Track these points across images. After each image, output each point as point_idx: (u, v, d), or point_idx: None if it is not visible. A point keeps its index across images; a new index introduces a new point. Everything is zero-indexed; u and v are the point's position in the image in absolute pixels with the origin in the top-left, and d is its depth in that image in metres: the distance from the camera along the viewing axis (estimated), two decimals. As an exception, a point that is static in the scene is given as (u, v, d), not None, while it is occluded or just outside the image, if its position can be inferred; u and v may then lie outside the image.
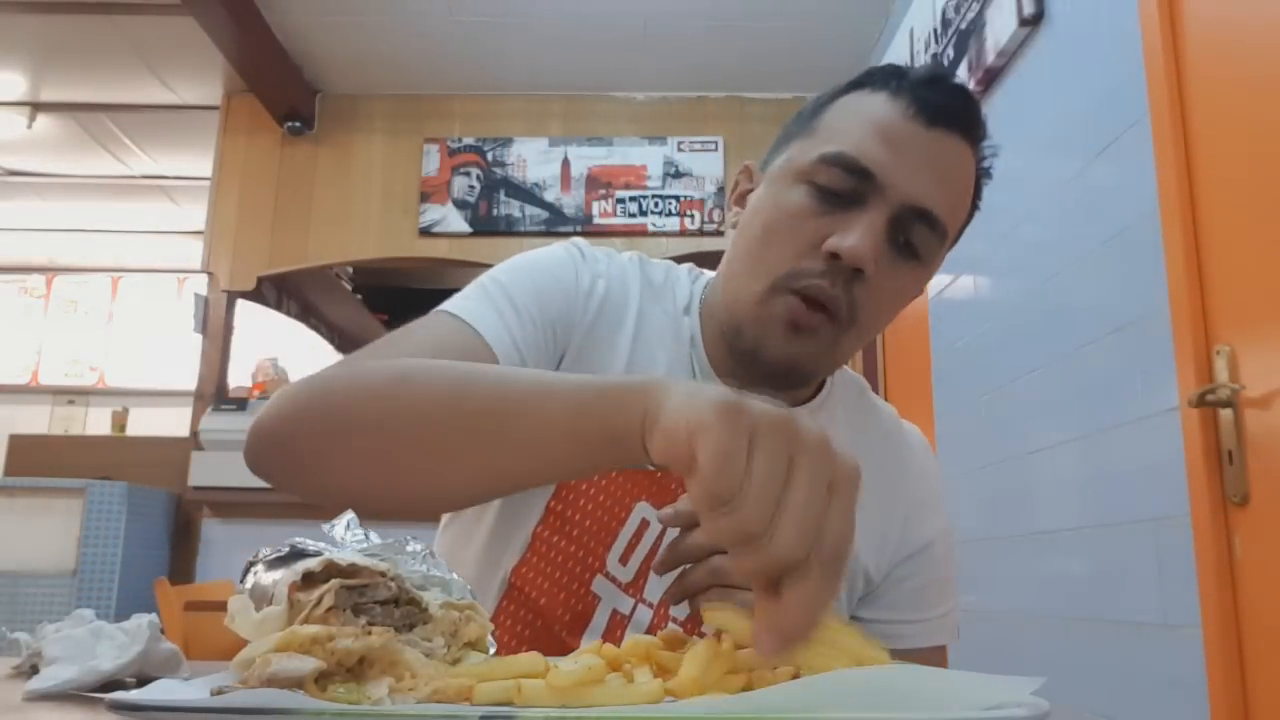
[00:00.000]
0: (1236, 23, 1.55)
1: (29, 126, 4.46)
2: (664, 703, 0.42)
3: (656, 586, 0.82)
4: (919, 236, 0.79)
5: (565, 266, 0.86)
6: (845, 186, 0.78)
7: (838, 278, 0.77)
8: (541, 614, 0.81)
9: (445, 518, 0.94)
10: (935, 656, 0.90)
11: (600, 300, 0.86)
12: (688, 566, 0.67)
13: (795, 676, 0.46)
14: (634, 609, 0.82)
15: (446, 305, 0.81)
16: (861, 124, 0.79)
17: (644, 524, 0.82)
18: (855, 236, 0.75)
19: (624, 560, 0.82)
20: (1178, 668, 1.60)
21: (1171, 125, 1.65)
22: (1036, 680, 0.41)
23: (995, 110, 2.50)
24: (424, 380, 0.65)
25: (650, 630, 0.81)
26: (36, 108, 4.41)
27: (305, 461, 0.68)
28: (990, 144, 0.85)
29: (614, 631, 0.81)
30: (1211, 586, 1.50)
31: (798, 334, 0.78)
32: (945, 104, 0.79)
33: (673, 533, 0.81)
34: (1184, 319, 1.59)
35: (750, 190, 0.87)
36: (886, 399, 4.24)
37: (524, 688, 0.42)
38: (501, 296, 0.81)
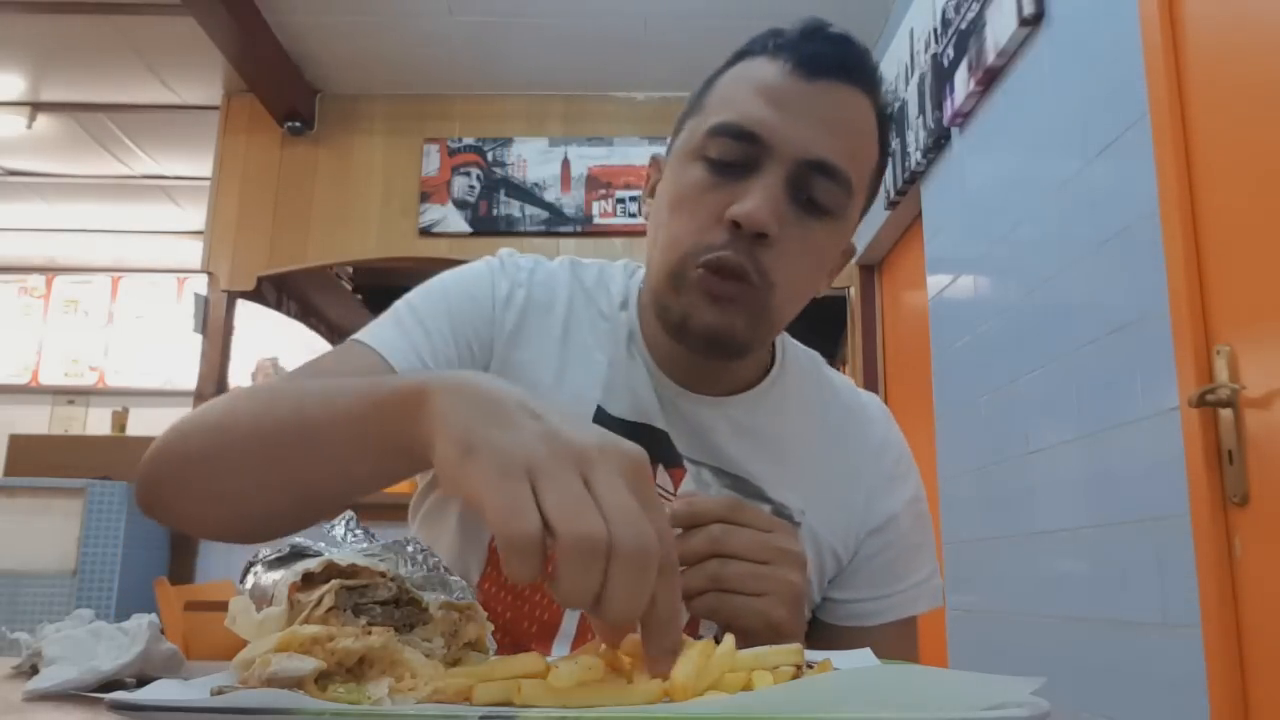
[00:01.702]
0: (1237, 23, 1.55)
1: (29, 126, 4.46)
2: (662, 703, 0.42)
3: None
4: (821, 190, 0.78)
5: (481, 280, 0.87)
6: (736, 155, 0.78)
7: (741, 245, 0.76)
8: (508, 630, 0.80)
9: (413, 525, 0.93)
10: (909, 628, 0.90)
11: (520, 309, 0.86)
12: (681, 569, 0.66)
13: (795, 677, 0.46)
14: None
15: (359, 333, 0.83)
16: (744, 90, 0.80)
17: None
18: (751, 202, 0.75)
19: None
20: (1178, 668, 1.60)
21: (1171, 125, 1.65)
22: (1036, 680, 0.41)
23: (995, 110, 2.50)
24: (246, 408, 0.68)
25: None
26: (36, 108, 4.41)
27: (168, 498, 0.72)
28: (889, 89, 0.84)
29: (584, 636, 0.80)
30: (1211, 586, 1.50)
31: (717, 303, 0.78)
32: (823, 54, 0.79)
33: None
34: (1184, 319, 1.59)
35: (659, 181, 0.87)
36: (886, 399, 4.23)
37: (524, 688, 0.42)
38: (411, 320, 0.83)
